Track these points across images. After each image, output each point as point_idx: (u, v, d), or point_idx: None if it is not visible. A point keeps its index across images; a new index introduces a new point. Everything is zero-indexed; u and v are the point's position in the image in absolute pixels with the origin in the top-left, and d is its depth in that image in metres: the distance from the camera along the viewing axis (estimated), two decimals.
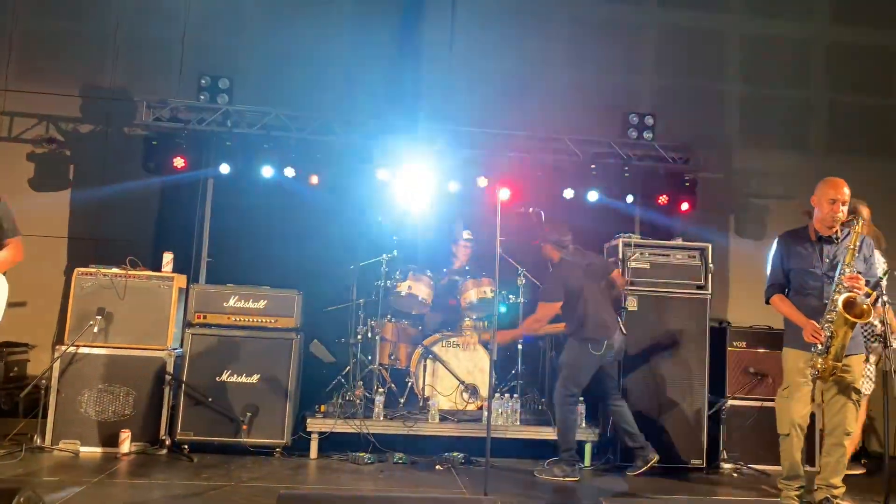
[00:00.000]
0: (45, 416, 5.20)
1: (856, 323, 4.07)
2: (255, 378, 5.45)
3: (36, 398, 5.24)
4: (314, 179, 6.50)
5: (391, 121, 6.77)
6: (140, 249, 6.06)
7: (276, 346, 5.51)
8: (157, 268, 5.70)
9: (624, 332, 5.40)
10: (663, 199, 6.80)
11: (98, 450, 5.22)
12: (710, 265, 5.88)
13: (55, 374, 5.26)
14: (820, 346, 4.12)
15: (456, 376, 5.96)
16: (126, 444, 5.18)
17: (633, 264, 5.82)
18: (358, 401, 5.60)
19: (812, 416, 4.46)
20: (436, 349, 6.01)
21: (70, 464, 4.96)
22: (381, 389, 5.79)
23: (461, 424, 5.60)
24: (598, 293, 5.32)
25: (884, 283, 4.29)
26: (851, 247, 4.16)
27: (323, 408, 5.59)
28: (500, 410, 5.58)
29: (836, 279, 4.15)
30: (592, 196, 6.71)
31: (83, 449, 5.19)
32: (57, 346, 5.39)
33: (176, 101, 6.51)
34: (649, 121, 6.89)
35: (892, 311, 4.49)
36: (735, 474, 5.58)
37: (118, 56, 7.20)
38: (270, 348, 5.50)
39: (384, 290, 6.02)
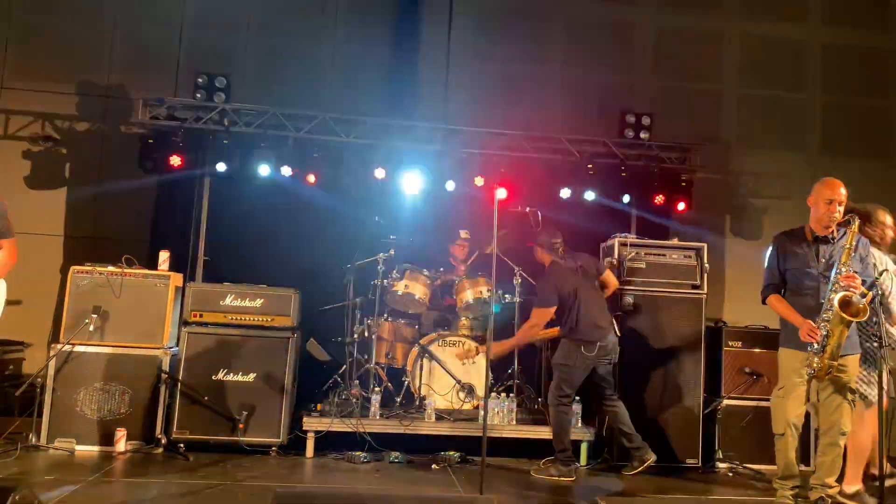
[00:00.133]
0: (40, 414, 5.19)
1: (851, 322, 4.09)
2: (251, 377, 5.44)
3: (31, 397, 5.21)
4: (311, 178, 6.50)
5: (388, 120, 6.78)
6: (136, 248, 6.06)
7: (273, 345, 5.51)
8: (154, 266, 5.70)
9: (618, 333, 5.41)
10: (660, 198, 6.81)
11: (94, 448, 5.21)
12: (706, 265, 5.90)
13: (51, 372, 5.24)
14: (816, 345, 4.14)
15: (452, 375, 5.96)
16: (122, 443, 5.18)
17: (630, 264, 5.84)
18: (354, 400, 5.61)
19: (807, 415, 4.47)
20: (432, 348, 6.01)
21: (65, 462, 4.95)
22: (377, 388, 5.79)
23: (457, 424, 5.61)
24: (590, 294, 5.33)
25: (885, 282, 4.28)
26: (848, 246, 4.17)
27: (319, 407, 5.59)
28: (496, 410, 5.59)
29: (832, 279, 4.16)
30: (589, 196, 6.72)
31: (79, 448, 5.19)
32: (53, 345, 5.38)
33: (173, 99, 6.51)
34: (646, 121, 6.91)
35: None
36: (730, 474, 5.59)
37: (115, 54, 7.18)
38: (267, 347, 5.50)
39: (381, 289, 6.03)
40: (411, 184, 6.45)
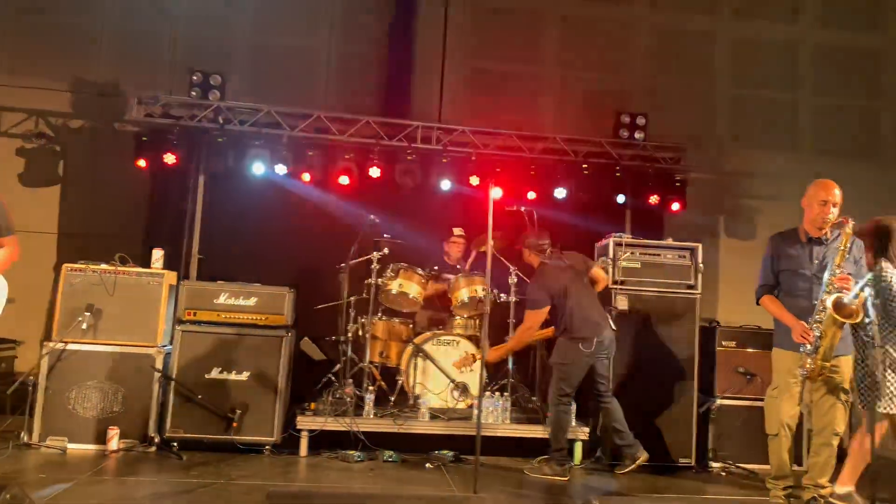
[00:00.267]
0: (32, 413, 5.16)
1: (844, 323, 4.11)
2: (245, 375, 5.43)
3: (23, 395, 5.18)
4: (306, 177, 6.50)
5: (383, 119, 6.77)
6: (130, 246, 6.01)
7: (267, 344, 5.49)
8: (147, 264, 5.66)
9: (614, 328, 5.42)
10: (654, 198, 6.84)
11: (86, 447, 5.18)
12: (700, 265, 5.91)
13: (43, 370, 5.22)
14: (809, 347, 4.15)
15: (446, 374, 5.95)
16: (114, 442, 5.16)
17: (624, 264, 5.84)
18: (348, 399, 5.59)
19: (800, 415, 4.48)
20: (426, 347, 6.00)
21: (57, 461, 4.93)
22: (371, 387, 5.78)
23: (451, 422, 5.60)
24: (582, 291, 5.33)
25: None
26: (841, 248, 4.18)
27: (313, 405, 5.58)
28: (490, 409, 5.58)
29: (825, 280, 4.17)
30: (584, 195, 6.72)
31: (71, 446, 5.16)
32: (45, 343, 5.35)
33: (167, 97, 6.49)
34: (641, 121, 6.94)
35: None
36: (724, 473, 5.60)
37: (109, 51, 7.17)
38: (261, 346, 5.48)
39: (375, 287, 6.02)
40: (406, 182, 6.44)
